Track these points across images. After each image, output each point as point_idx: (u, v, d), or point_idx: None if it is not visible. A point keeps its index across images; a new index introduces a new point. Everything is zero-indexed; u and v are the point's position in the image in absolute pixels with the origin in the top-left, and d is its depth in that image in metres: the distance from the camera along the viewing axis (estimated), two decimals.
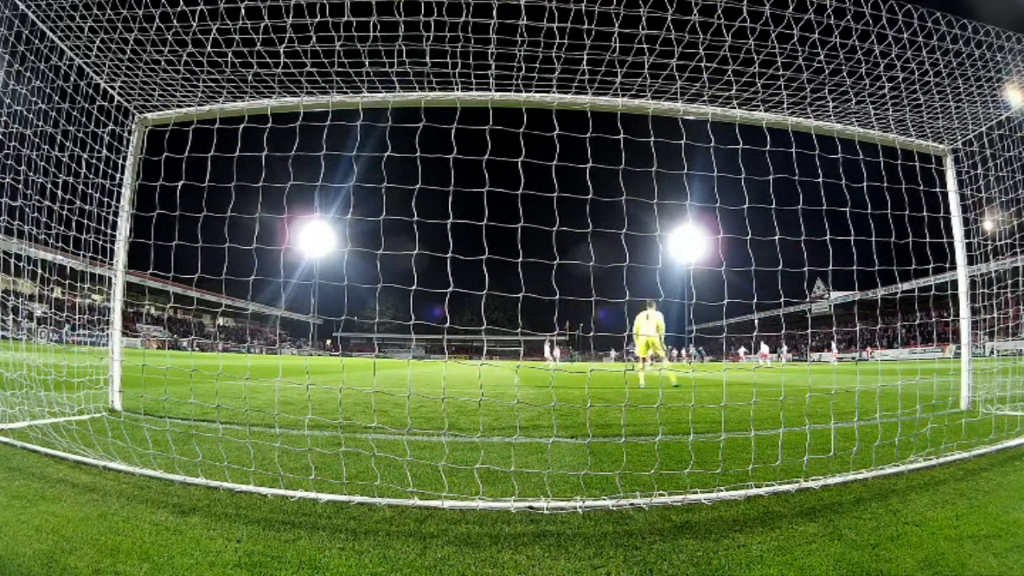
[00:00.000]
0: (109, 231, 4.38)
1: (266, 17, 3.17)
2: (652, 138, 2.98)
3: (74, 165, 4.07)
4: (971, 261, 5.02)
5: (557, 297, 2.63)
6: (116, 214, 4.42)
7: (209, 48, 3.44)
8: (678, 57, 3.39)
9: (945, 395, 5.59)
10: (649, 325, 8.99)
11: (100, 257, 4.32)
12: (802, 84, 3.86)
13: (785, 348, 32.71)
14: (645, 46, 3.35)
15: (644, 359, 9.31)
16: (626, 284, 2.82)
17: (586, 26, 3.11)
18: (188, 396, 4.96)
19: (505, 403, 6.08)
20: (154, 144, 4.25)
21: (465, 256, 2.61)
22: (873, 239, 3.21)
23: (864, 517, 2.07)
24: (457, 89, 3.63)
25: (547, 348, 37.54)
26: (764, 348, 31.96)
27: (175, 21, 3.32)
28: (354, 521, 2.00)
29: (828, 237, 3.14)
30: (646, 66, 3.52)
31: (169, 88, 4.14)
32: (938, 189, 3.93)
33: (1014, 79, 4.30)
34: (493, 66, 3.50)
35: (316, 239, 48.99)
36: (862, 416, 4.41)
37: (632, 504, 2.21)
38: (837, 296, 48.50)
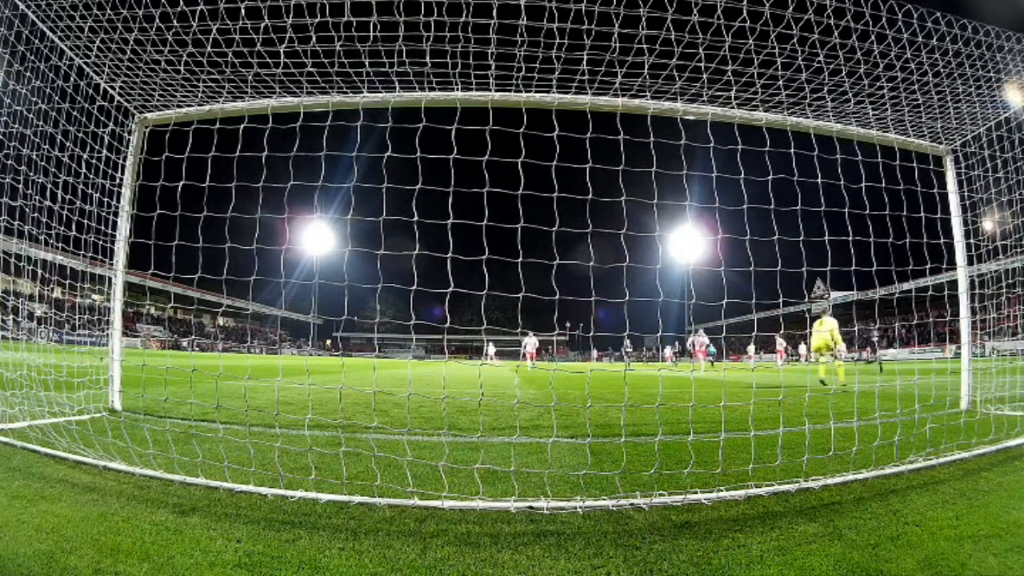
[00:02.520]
0: (109, 231, 4.38)
1: (266, 17, 3.17)
2: (652, 139, 2.98)
3: (74, 165, 4.07)
4: (971, 261, 5.02)
5: (557, 297, 2.63)
6: (116, 214, 4.42)
7: (209, 48, 3.44)
8: (678, 57, 3.40)
9: (943, 395, 5.59)
10: (823, 328, 10.06)
11: (100, 257, 4.32)
12: (801, 84, 3.86)
13: (805, 348, 31.65)
14: (645, 46, 3.35)
15: (821, 356, 10.34)
16: (626, 284, 2.82)
17: (586, 26, 3.12)
18: (188, 396, 4.96)
19: (505, 403, 6.08)
20: (154, 144, 4.25)
21: (465, 256, 2.61)
22: (871, 240, 3.21)
23: (864, 517, 2.07)
24: (457, 89, 3.63)
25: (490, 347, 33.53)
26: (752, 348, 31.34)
27: (175, 21, 3.32)
28: (354, 521, 2.00)
29: (827, 238, 3.14)
30: (646, 66, 3.52)
31: (169, 88, 4.14)
32: (936, 190, 3.92)
33: (1014, 79, 4.30)
34: (493, 66, 3.50)
35: (316, 239, 48.95)
36: (861, 416, 4.41)
37: (632, 504, 2.21)
38: (837, 296, 48.47)
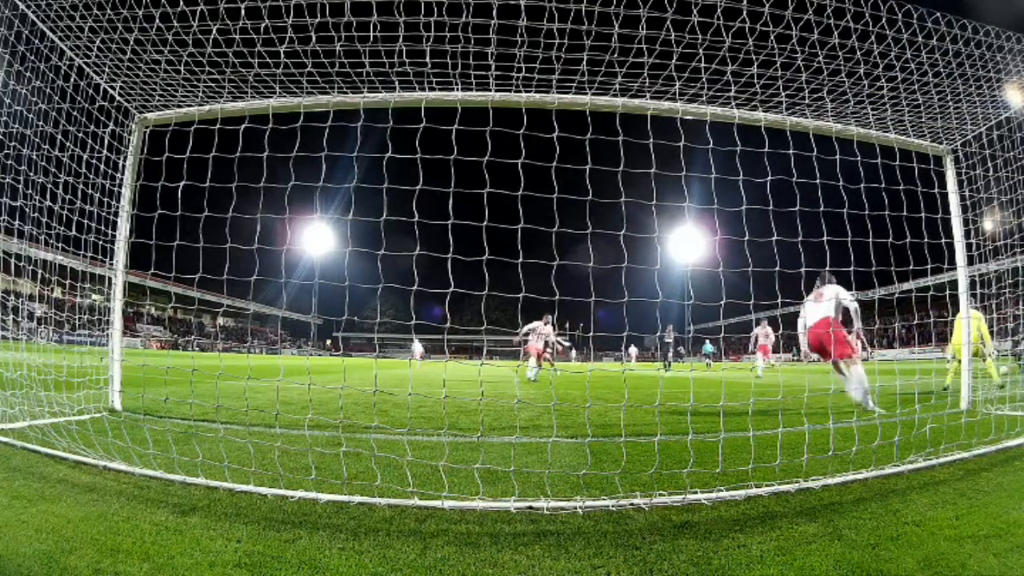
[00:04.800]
0: (109, 231, 4.38)
1: (266, 17, 3.17)
2: (651, 139, 2.99)
3: (74, 165, 4.07)
4: (971, 261, 5.02)
5: (557, 297, 2.63)
6: (116, 214, 4.43)
7: (210, 48, 3.44)
8: (677, 58, 3.40)
9: (943, 395, 5.59)
10: (965, 327, 8.87)
11: (100, 257, 4.32)
12: (801, 85, 3.86)
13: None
14: (645, 47, 3.35)
15: (957, 359, 9.03)
16: (625, 284, 2.82)
17: (586, 27, 3.12)
18: (188, 396, 4.96)
19: (505, 403, 6.08)
20: (155, 144, 4.25)
21: (465, 256, 2.61)
22: (871, 240, 3.21)
23: (864, 517, 2.07)
24: (457, 89, 3.63)
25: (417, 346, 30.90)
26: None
27: (175, 21, 3.33)
28: (354, 521, 2.00)
29: (826, 238, 3.14)
30: (646, 67, 3.52)
31: (169, 88, 4.14)
32: (936, 190, 3.92)
33: (1014, 79, 4.30)
34: (493, 67, 3.51)
35: (316, 239, 48.99)
36: (861, 416, 4.41)
37: (632, 504, 2.21)
38: None
